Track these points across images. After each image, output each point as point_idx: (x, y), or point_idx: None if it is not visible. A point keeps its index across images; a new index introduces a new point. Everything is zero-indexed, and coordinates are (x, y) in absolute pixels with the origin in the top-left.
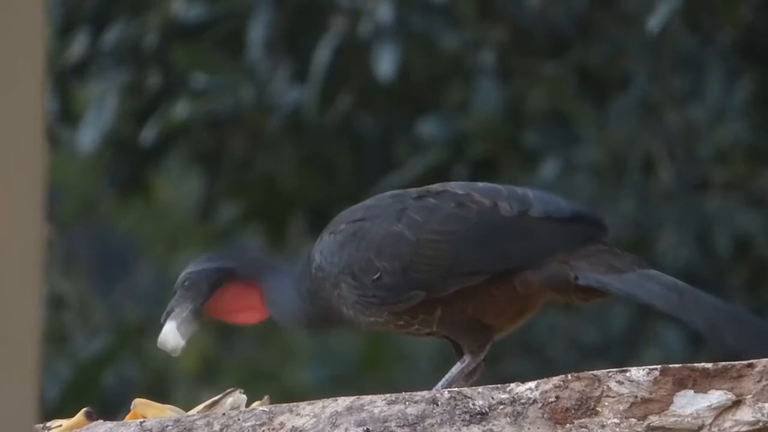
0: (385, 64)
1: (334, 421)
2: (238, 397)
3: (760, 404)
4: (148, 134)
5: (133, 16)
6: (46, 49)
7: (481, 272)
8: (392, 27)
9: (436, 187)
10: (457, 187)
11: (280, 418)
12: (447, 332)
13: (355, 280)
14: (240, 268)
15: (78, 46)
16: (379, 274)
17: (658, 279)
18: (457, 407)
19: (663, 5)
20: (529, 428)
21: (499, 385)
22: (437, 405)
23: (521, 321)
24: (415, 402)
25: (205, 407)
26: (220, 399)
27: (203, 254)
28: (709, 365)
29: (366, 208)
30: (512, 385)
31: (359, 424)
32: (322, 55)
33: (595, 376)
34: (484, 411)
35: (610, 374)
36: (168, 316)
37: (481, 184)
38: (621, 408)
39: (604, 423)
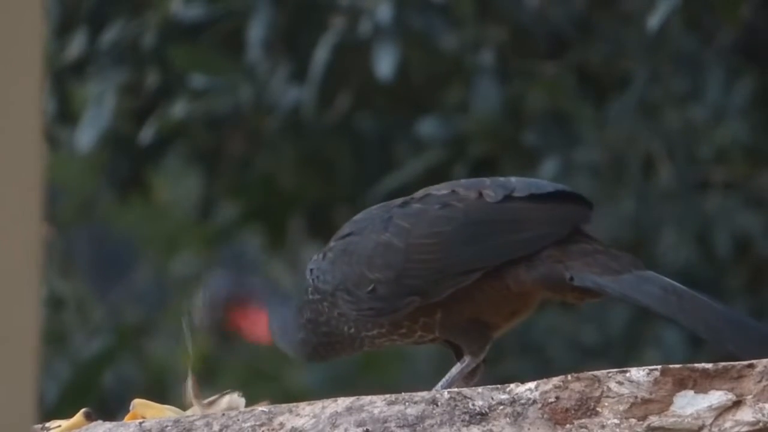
0: (385, 63)
1: (333, 421)
2: (236, 399)
3: (760, 404)
4: (147, 134)
5: (131, 15)
6: (45, 48)
7: (474, 270)
8: (391, 26)
9: (419, 193)
10: (440, 188)
11: (280, 419)
12: (447, 335)
13: (350, 295)
14: (248, 294)
15: (76, 45)
16: (373, 286)
17: (656, 281)
18: (457, 408)
19: (662, 5)
20: (528, 429)
21: (498, 386)
22: (437, 405)
23: (518, 319)
24: (415, 402)
25: (201, 407)
26: (216, 399)
27: (218, 273)
28: (709, 366)
29: (353, 222)
30: (512, 385)
31: (359, 425)
32: (321, 55)
33: (594, 376)
34: (483, 411)
35: (610, 375)
36: (190, 326)
37: (464, 180)
38: (621, 408)
39: (604, 423)
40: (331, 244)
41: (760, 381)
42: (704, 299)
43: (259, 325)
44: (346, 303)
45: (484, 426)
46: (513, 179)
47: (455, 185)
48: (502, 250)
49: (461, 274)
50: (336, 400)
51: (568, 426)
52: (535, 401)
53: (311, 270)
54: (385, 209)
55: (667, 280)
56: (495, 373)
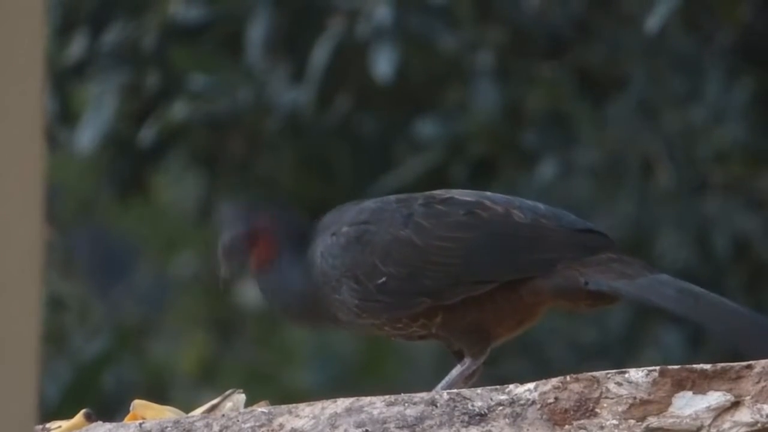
0: (384, 64)
1: (333, 422)
2: (237, 397)
3: (758, 405)
4: (147, 135)
5: (131, 16)
6: (46, 49)
7: (491, 281)
8: (391, 27)
9: (440, 192)
10: (465, 194)
11: (280, 420)
12: (447, 335)
13: (358, 284)
14: (266, 227)
15: (77, 46)
16: (384, 278)
17: (671, 283)
18: (456, 408)
19: (661, 6)
20: (528, 429)
21: (498, 386)
22: (436, 406)
23: (521, 330)
24: (414, 403)
25: (204, 411)
26: (219, 402)
27: (240, 205)
28: (707, 366)
29: (370, 211)
30: (511, 386)
31: (358, 426)
32: (320, 56)
33: (593, 377)
34: (483, 412)
35: (608, 375)
36: (223, 271)
37: (490, 193)
38: (620, 409)
39: (603, 424)
40: (344, 228)
41: (758, 382)
42: (720, 299)
43: (269, 252)
44: (351, 291)
45: (484, 427)
46: (542, 206)
47: (482, 196)
48: (521, 266)
49: (477, 283)
50: (335, 401)
51: (567, 427)
52: (534, 402)
53: (322, 252)
54: (406, 205)
55: (683, 281)
56: (494, 373)
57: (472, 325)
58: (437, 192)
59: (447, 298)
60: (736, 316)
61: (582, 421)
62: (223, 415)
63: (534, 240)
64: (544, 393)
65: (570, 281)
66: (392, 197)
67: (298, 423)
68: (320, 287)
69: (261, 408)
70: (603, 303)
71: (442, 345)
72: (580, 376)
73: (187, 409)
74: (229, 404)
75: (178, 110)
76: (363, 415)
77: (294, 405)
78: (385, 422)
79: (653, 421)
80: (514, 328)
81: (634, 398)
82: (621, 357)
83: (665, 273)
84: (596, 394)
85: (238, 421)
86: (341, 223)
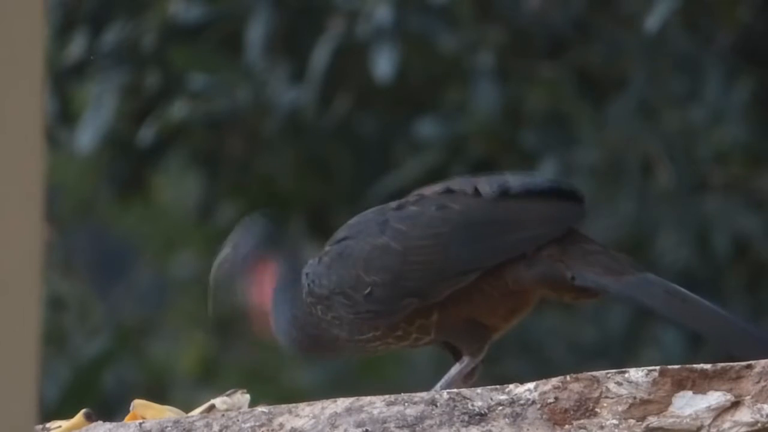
0: (384, 65)
1: (333, 422)
2: (241, 397)
3: (758, 405)
4: (147, 135)
5: (131, 16)
6: (46, 49)
7: (473, 270)
8: (391, 28)
9: (412, 195)
10: (434, 189)
11: (280, 419)
12: (445, 337)
13: (348, 299)
14: (267, 255)
15: (76, 46)
16: (370, 289)
17: (659, 283)
18: (456, 408)
19: (661, 6)
20: (528, 429)
21: (498, 386)
22: (436, 406)
23: (516, 319)
24: (414, 403)
25: (203, 410)
26: (220, 402)
27: (247, 225)
28: (708, 366)
29: (348, 227)
30: (511, 386)
31: (358, 425)
32: (320, 56)
33: (593, 377)
34: (483, 412)
35: (608, 375)
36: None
37: (458, 178)
38: (620, 409)
39: (603, 424)
40: (327, 248)
41: (758, 382)
42: (707, 303)
43: (265, 318)
44: (343, 306)
45: (484, 426)
46: (509, 176)
47: (450, 183)
48: (500, 250)
49: (460, 275)
50: (335, 401)
51: (567, 426)
52: (534, 402)
53: (307, 274)
54: (380, 213)
55: (670, 283)
56: (494, 373)
57: (468, 322)
58: (411, 195)
59: (434, 295)
60: (721, 320)
61: (582, 421)
62: (223, 415)
63: (507, 221)
64: (544, 393)
65: (556, 273)
66: (370, 209)
67: (298, 423)
68: (311, 308)
69: (261, 408)
70: (587, 296)
71: (440, 348)
72: (580, 376)
73: (187, 409)
74: (223, 406)
75: (178, 110)
76: (363, 415)
77: (294, 405)
78: (385, 422)
79: (653, 421)
80: (508, 317)
81: (634, 398)
82: (621, 357)
83: (664, 272)
84: (596, 394)
85: (238, 420)
86: (326, 245)
